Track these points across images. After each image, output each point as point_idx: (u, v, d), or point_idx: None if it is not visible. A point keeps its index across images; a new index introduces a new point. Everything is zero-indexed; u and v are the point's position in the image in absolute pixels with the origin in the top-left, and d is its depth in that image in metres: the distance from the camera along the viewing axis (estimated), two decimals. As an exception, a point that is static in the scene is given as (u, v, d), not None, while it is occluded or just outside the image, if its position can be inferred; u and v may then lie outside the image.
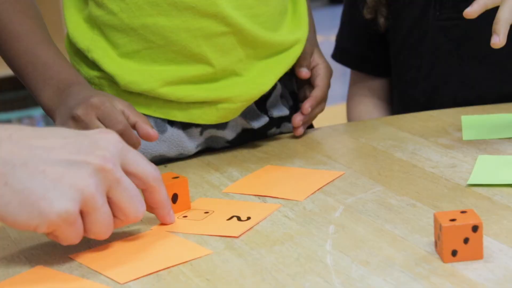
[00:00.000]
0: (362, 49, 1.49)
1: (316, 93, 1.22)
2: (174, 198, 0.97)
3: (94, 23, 1.13)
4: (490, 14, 1.08)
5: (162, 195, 0.90)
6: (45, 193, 0.80)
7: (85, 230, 0.84)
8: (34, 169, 0.80)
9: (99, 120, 1.00)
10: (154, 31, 1.10)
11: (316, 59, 1.25)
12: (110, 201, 0.84)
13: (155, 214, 0.93)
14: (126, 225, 0.87)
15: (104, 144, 0.85)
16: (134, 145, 1.00)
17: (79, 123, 1.00)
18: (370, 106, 1.50)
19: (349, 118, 1.53)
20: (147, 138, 1.02)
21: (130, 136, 1.00)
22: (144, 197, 0.89)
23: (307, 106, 1.20)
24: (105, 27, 1.12)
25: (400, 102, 1.44)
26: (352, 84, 1.54)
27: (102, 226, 0.84)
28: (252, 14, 1.13)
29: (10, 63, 1.11)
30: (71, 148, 0.83)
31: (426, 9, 1.36)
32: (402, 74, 1.42)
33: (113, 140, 0.86)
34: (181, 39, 1.10)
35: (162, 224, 0.94)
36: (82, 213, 0.83)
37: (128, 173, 0.86)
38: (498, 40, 1.05)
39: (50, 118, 1.06)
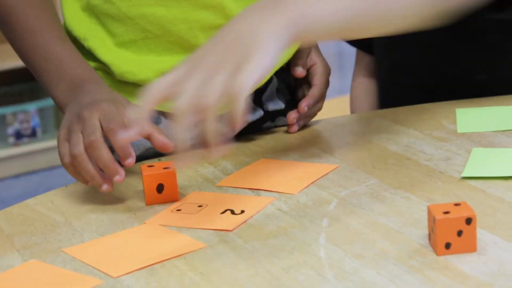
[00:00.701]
0: None
1: (313, 92, 1.22)
2: (160, 188, 0.97)
3: (92, 11, 1.13)
4: None
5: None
6: None
7: None
8: None
9: (100, 120, 0.99)
10: (151, 21, 1.10)
11: (313, 58, 1.25)
12: None
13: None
14: None
15: None
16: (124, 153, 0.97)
17: (80, 121, 0.99)
18: (363, 89, 1.50)
19: (350, 100, 1.54)
20: (164, 149, 0.99)
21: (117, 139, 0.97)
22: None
23: (303, 105, 1.20)
24: (103, 16, 1.12)
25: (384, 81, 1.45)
26: (355, 63, 1.55)
27: None
28: None
29: (24, 57, 1.11)
30: None
31: None
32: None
33: None
34: (179, 30, 1.10)
35: (155, 216, 0.94)
36: None
37: None
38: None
39: (61, 112, 1.06)
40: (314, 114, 1.24)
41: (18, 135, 3.32)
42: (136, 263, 0.84)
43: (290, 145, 1.16)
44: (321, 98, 1.24)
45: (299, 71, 1.22)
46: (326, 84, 1.25)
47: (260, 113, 1.20)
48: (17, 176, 3.24)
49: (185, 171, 1.08)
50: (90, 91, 1.04)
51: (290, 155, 1.12)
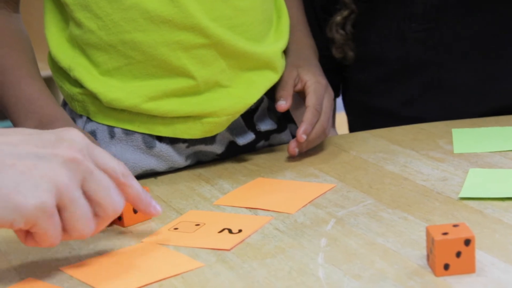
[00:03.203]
0: None
1: (307, 116, 1.16)
2: (135, 209, 0.97)
3: (75, 42, 1.12)
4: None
5: (135, 189, 0.86)
6: (17, 187, 0.77)
7: (65, 229, 0.81)
8: (1, 164, 0.78)
9: None
10: (132, 47, 1.09)
11: (302, 77, 1.20)
12: (86, 195, 0.81)
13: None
14: (107, 224, 0.84)
15: (69, 137, 0.82)
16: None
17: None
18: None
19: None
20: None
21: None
22: None
23: (301, 132, 1.14)
24: (85, 45, 1.11)
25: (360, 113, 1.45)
26: None
27: (81, 221, 0.80)
28: (231, 25, 1.11)
29: None
30: (37, 142, 0.81)
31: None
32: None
33: (78, 135, 0.83)
34: (160, 53, 1.09)
35: (153, 235, 0.94)
36: (59, 209, 0.80)
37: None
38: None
39: None
40: (317, 139, 1.17)
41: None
42: (133, 282, 0.83)
43: (286, 164, 1.16)
44: (318, 120, 1.17)
45: (281, 106, 1.17)
46: (320, 103, 1.18)
47: (251, 136, 1.18)
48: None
49: (183, 189, 1.08)
50: None
51: (287, 174, 1.12)
